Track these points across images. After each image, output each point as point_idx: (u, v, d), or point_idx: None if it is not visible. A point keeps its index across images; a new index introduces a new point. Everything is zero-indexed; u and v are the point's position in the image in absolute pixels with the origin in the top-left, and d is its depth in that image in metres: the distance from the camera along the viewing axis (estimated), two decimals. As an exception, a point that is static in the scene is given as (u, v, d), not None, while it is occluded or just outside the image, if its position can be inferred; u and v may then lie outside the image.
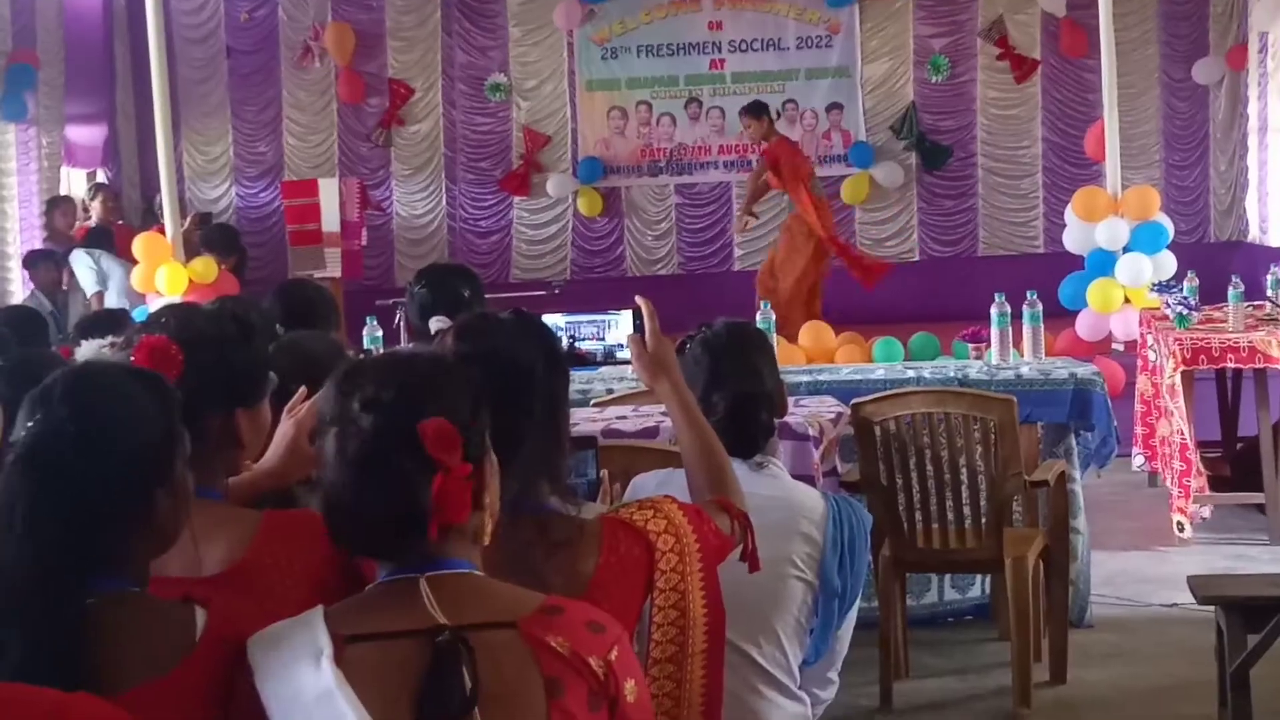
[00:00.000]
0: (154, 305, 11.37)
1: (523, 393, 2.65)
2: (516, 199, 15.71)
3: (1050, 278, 11.57)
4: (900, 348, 11.02)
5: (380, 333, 7.63)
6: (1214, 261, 13.96)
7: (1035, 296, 7.49)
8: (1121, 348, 10.82)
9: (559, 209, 15.71)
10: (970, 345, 7.60)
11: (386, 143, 15.67)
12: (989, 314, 7.45)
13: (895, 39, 15.41)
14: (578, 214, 15.65)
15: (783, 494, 3.60)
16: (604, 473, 3.64)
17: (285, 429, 3.04)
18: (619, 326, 5.63)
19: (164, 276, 11.37)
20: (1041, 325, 7.43)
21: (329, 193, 12.84)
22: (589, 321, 5.88)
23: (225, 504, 2.75)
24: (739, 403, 3.65)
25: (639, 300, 3.13)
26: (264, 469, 3.03)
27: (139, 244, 11.55)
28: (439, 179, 15.73)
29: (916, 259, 15.43)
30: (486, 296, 5.12)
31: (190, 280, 11.45)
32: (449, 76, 15.69)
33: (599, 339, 5.69)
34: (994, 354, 7.34)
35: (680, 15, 15.51)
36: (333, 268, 12.67)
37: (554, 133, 15.67)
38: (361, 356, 3.00)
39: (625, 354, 3.22)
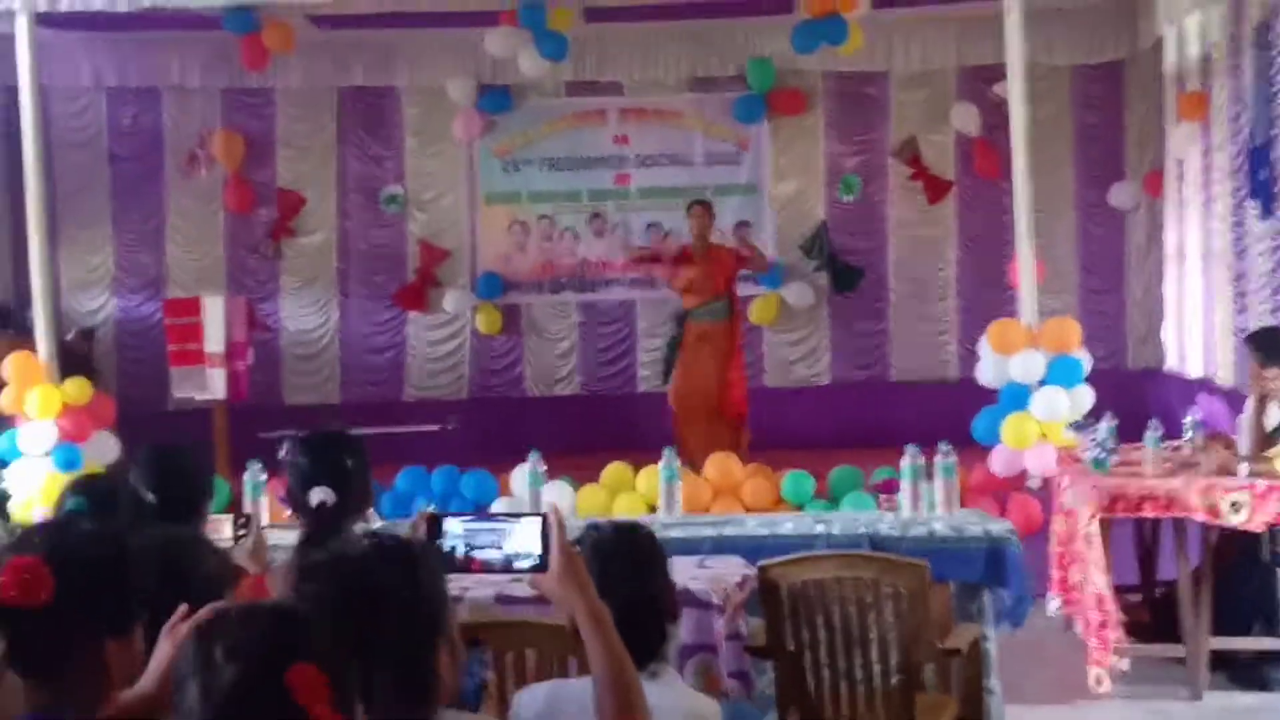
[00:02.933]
0: (23, 430, 10.77)
1: (387, 626, 2.59)
2: (411, 315, 15.12)
3: (963, 403, 11.25)
4: (811, 482, 10.61)
5: (264, 477, 7.05)
6: (1130, 390, 13.66)
7: (949, 447, 7.00)
8: (1037, 484, 10.40)
9: (456, 325, 15.15)
10: (881, 496, 7.17)
11: (276, 254, 15.06)
12: (900, 443, 7.10)
13: (806, 156, 15.04)
14: (475, 331, 15.08)
15: (678, 703, 3.59)
16: (490, 675, 3.72)
17: (164, 650, 2.85)
18: (519, 533, 5.35)
19: (35, 399, 10.80)
20: (955, 477, 7.01)
21: (213, 312, 12.23)
22: (488, 530, 5.60)
23: None
24: (630, 610, 3.56)
25: (548, 508, 3.01)
26: (138, 693, 2.83)
27: (9, 364, 10.97)
28: (331, 293, 15.14)
29: (827, 382, 14.99)
30: (370, 446, 4.85)
31: (64, 404, 10.87)
32: (343, 187, 15.15)
33: (497, 547, 5.58)
34: (905, 506, 6.88)
35: (585, 128, 15.09)
36: (216, 390, 12.10)
37: (452, 246, 15.13)
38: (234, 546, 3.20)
39: (524, 563, 3.04)
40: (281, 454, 8.19)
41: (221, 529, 4.94)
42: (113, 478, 4.30)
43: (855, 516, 7.27)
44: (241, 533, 5.05)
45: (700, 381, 12.21)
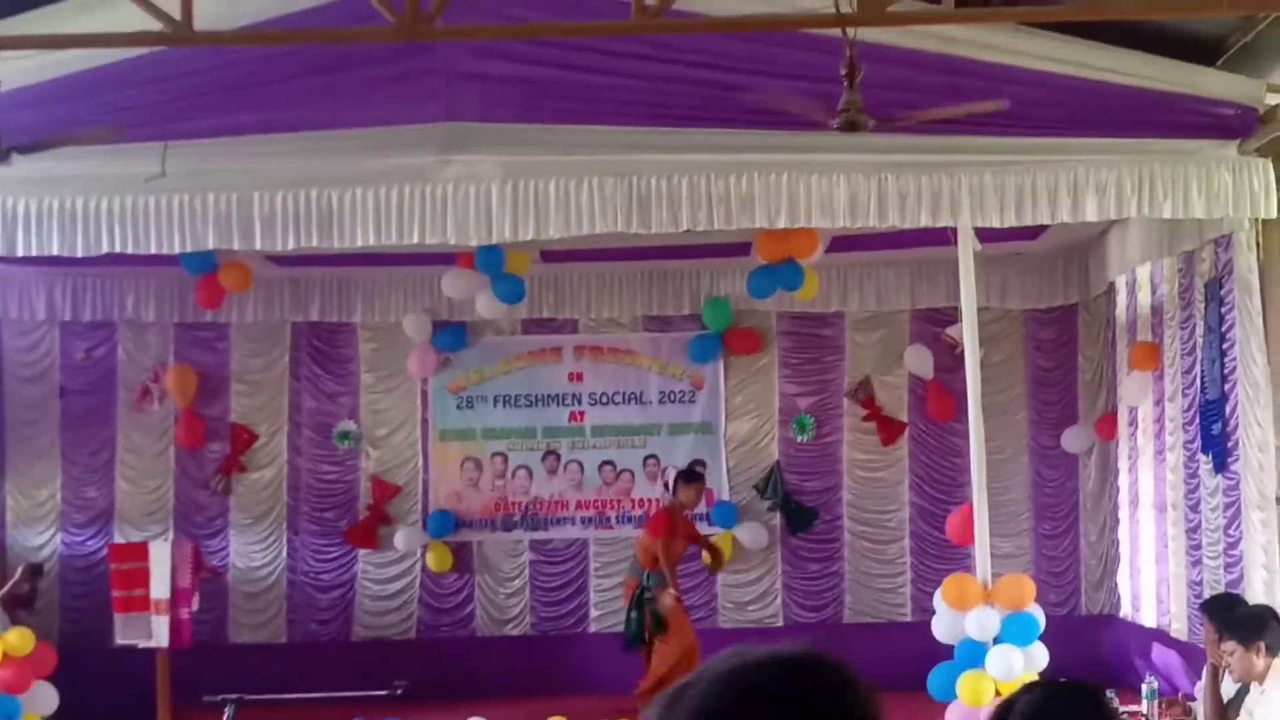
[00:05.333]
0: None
1: None
2: (362, 552, 14.92)
3: (917, 647, 11.16)
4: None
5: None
6: (1085, 636, 13.61)
7: (901, 730, 6.83)
8: (993, 744, 10.24)
9: (407, 563, 14.94)
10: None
11: (226, 490, 14.87)
12: None
13: (760, 396, 15.04)
14: (426, 569, 14.86)
15: None
16: None
17: None
18: None
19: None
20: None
21: (160, 557, 12.10)
22: None
23: None
24: None
25: None
26: None
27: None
28: (280, 529, 14.92)
29: (780, 624, 14.83)
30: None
31: (4, 653, 10.64)
32: (295, 422, 15.04)
33: None
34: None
35: (540, 365, 15.07)
36: (160, 637, 11.93)
37: (404, 483, 15.01)
38: None
39: None
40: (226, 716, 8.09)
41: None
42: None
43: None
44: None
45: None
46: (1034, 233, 12.97)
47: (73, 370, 14.84)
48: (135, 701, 12.07)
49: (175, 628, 11.87)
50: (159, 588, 11.85)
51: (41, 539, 14.70)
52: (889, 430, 14.90)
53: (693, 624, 12.90)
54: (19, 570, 13.38)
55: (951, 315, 13.61)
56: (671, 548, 12.78)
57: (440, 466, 15.05)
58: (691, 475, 13.58)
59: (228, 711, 7.84)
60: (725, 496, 14.86)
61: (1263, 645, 7.55)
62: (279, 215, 10.08)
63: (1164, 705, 8.62)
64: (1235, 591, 9.99)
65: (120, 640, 12.06)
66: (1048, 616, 10.73)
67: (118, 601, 12.05)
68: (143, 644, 11.89)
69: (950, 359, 13.98)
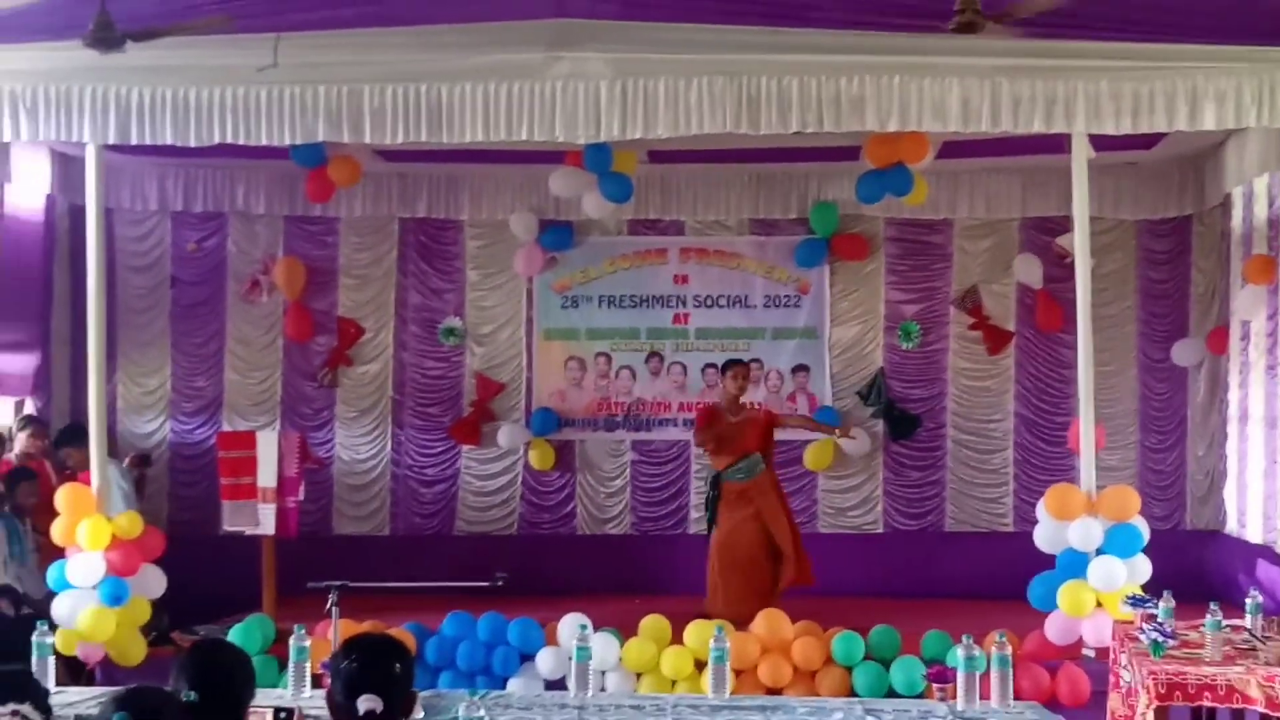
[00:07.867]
0: (74, 561, 10.71)
1: None
2: (465, 448, 15.04)
3: (1019, 557, 11.13)
4: (861, 644, 10.50)
5: (307, 642, 6.90)
6: (1190, 552, 13.47)
7: (1004, 639, 6.76)
8: (1092, 653, 10.25)
9: (509, 460, 15.04)
10: (935, 685, 6.94)
11: (332, 383, 15.02)
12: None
13: (866, 303, 14.94)
14: (528, 466, 14.96)
15: None
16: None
17: None
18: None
19: (85, 531, 10.71)
20: (1010, 669, 6.69)
21: (267, 446, 12.22)
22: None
23: None
24: None
25: None
26: None
27: (61, 496, 10.92)
28: (385, 423, 15.07)
29: (880, 531, 14.80)
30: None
31: (114, 536, 10.80)
32: (402, 317, 15.13)
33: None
34: (960, 699, 6.63)
35: (645, 267, 15.06)
36: (266, 525, 12.11)
37: (508, 380, 15.08)
38: None
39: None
40: (329, 604, 8.15)
41: (264, 721, 4.88)
42: (158, 693, 4.18)
43: (906, 709, 6.99)
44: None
45: (744, 534, 12.37)
46: (1149, 141, 12.78)
47: (183, 261, 15.02)
48: (241, 587, 12.26)
49: (281, 516, 12.03)
50: (266, 476, 12.00)
51: (151, 426, 14.94)
52: (996, 339, 14.77)
53: (750, 526, 12.56)
54: (126, 459, 13.60)
55: (1062, 224, 13.45)
56: (704, 441, 13.00)
57: (544, 365, 15.10)
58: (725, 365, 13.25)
59: (331, 597, 7.91)
60: (828, 402, 14.81)
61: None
62: (388, 109, 10.14)
63: (1275, 625, 8.50)
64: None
65: (227, 527, 12.23)
66: (1152, 530, 10.65)
67: (225, 489, 12.22)
68: (249, 531, 12.06)
69: (1060, 269, 13.83)
